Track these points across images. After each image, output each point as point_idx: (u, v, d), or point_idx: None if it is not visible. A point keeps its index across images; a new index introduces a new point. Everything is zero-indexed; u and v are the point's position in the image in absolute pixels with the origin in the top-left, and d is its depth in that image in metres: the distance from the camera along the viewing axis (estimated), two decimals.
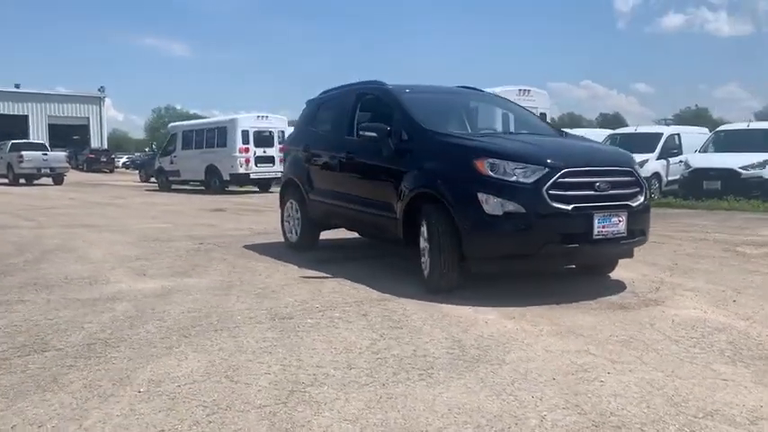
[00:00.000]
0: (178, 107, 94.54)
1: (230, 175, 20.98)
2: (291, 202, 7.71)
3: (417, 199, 5.50)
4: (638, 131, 18.06)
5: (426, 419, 2.83)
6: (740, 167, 13.80)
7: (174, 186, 23.36)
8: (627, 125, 44.80)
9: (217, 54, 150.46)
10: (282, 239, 8.21)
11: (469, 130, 6.30)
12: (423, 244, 5.48)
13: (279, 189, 8.64)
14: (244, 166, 20.77)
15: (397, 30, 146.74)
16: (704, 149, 15.55)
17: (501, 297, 5.07)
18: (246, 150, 20.79)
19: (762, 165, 13.88)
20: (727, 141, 15.35)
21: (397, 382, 3.28)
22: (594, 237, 4.96)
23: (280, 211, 8.18)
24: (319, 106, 7.74)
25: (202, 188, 22.51)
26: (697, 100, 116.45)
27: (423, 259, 5.50)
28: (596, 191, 5.03)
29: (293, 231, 7.73)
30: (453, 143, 5.50)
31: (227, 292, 5.43)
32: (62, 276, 6.14)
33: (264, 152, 21.21)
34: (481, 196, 4.94)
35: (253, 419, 2.82)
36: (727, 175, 13.81)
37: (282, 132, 21.77)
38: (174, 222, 11.45)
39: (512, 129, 6.62)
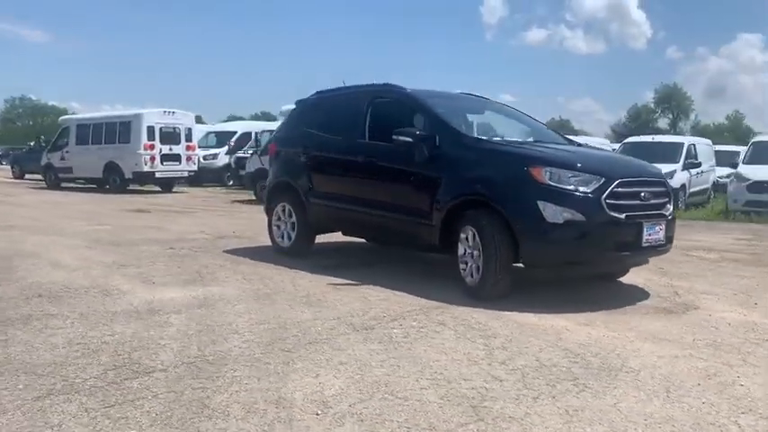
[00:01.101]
0: (34, 98, 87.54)
1: (133, 173, 19.72)
2: (284, 206, 7.39)
3: (461, 206, 5.47)
4: None
5: (635, 430, 2.83)
6: None
7: (63, 184, 21.62)
8: None
9: (77, 43, 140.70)
10: (261, 244, 7.95)
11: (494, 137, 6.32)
12: (463, 250, 5.45)
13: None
14: (149, 164, 19.60)
15: (269, 34, 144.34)
16: None
17: (546, 304, 5.10)
18: (152, 147, 19.64)
19: (669, 175, 15.06)
20: (634, 153, 16.47)
21: (563, 393, 3.26)
22: (643, 244, 5.18)
23: (267, 215, 7.80)
24: (315, 107, 7.49)
25: (94, 186, 21.02)
26: (559, 112, 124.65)
27: (463, 266, 5.47)
28: (642, 200, 5.25)
29: (285, 236, 7.42)
30: (505, 151, 5.55)
31: (272, 300, 5.13)
32: (60, 286, 5.52)
33: (171, 150, 20.15)
34: (541, 204, 4.98)
35: None
36: None
37: (189, 129, 20.87)
38: (111, 224, 10.61)
39: (527, 137, 6.72)
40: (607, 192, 5.02)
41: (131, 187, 20.66)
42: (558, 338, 4.24)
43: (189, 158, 20.68)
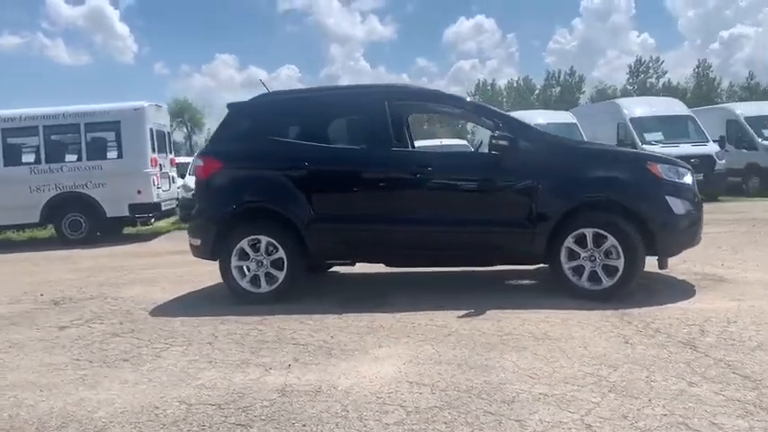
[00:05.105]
0: None
1: None
2: (257, 240, 5.62)
3: (575, 209, 5.29)
4: None
5: None
6: None
7: None
8: None
9: None
10: (165, 299, 6.17)
11: None
12: (567, 255, 5.25)
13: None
14: None
15: None
16: (191, 173, 16.16)
17: (636, 297, 5.25)
18: None
19: None
20: None
21: None
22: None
23: (213, 258, 5.79)
24: (282, 113, 5.86)
25: None
26: None
27: (571, 272, 5.27)
28: None
29: (262, 279, 5.64)
30: (617, 150, 5.57)
31: (500, 352, 4.11)
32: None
33: None
34: (669, 199, 5.25)
35: None
36: None
37: None
38: None
39: None
40: (694, 181, 5.59)
41: None
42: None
43: None
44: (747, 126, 16.65)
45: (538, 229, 5.27)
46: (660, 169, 5.33)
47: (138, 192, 11.79)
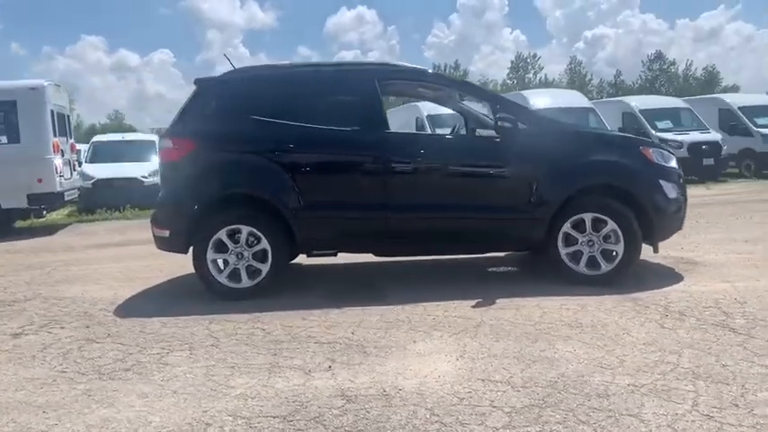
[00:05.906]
0: None
1: None
2: (237, 230, 5.06)
3: (577, 194, 5.20)
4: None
5: None
6: (142, 176, 14.17)
7: None
8: None
9: None
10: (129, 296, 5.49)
11: None
12: (564, 240, 5.16)
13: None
14: None
15: None
16: (89, 160, 15.39)
17: (633, 282, 5.18)
18: None
19: (156, 173, 13.99)
20: (104, 151, 15.65)
21: None
22: None
23: (183, 251, 5.19)
24: (262, 90, 5.30)
25: None
26: None
27: (569, 258, 5.19)
28: None
29: (243, 273, 5.11)
30: (611, 134, 5.51)
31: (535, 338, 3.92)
32: None
33: None
34: (662, 183, 5.28)
35: None
36: (133, 183, 14.02)
37: None
38: None
39: None
40: (679, 164, 5.65)
41: None
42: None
43: None
44: (642, 118, 17.58)
45: (537, 214, 5.13)
46: (652, 153, 5.34)
47: (39, 180, 10.54)
